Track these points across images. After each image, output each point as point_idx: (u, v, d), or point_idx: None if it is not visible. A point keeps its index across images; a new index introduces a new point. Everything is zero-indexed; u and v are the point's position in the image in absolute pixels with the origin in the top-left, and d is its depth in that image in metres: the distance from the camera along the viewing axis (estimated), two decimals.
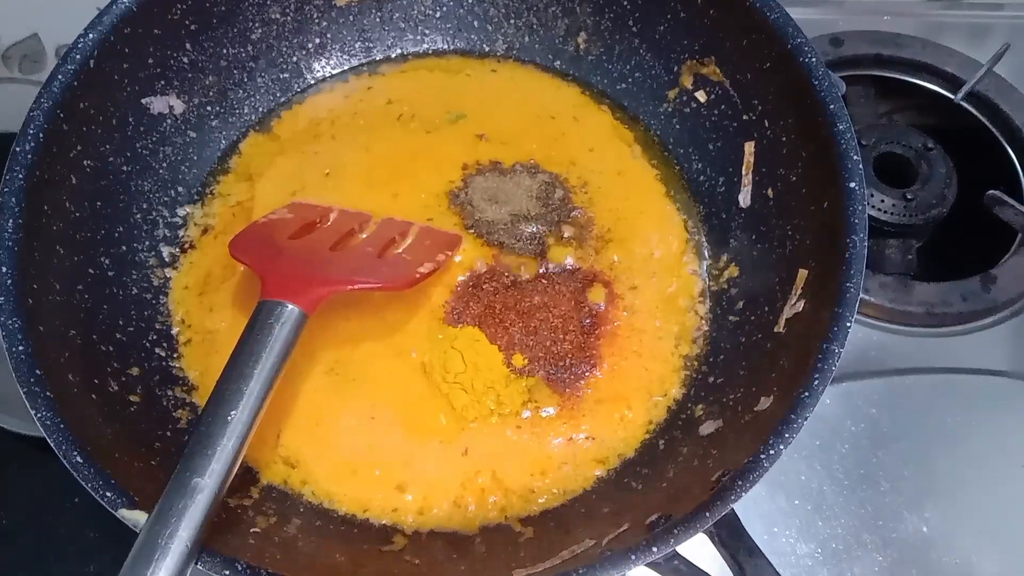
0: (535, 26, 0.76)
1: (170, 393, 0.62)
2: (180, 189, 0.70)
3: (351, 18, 0.76)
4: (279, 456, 0.61)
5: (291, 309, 0.53)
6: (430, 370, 0.62)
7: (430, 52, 0.78)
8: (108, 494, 0.48)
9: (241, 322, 0.61)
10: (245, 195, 0.70)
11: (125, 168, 0.65)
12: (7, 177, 0.55)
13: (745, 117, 0.67)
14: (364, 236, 0.64)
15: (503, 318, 0.64)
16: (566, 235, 0.67)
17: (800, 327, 0.58)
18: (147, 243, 0.66)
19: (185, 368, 0.64)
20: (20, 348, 0.51)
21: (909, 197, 0.81)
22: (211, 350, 0.64)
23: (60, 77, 0.59)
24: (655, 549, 0.48)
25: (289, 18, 0.74)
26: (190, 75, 0.70)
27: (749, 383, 0.59)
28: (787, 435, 0.50)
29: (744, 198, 0.67)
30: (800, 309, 0.58)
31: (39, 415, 0.49)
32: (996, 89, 0.87)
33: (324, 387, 0.62)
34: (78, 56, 0.60)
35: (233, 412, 0.49)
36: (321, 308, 0.56)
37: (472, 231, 0.67)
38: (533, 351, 0.63)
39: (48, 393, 0.50)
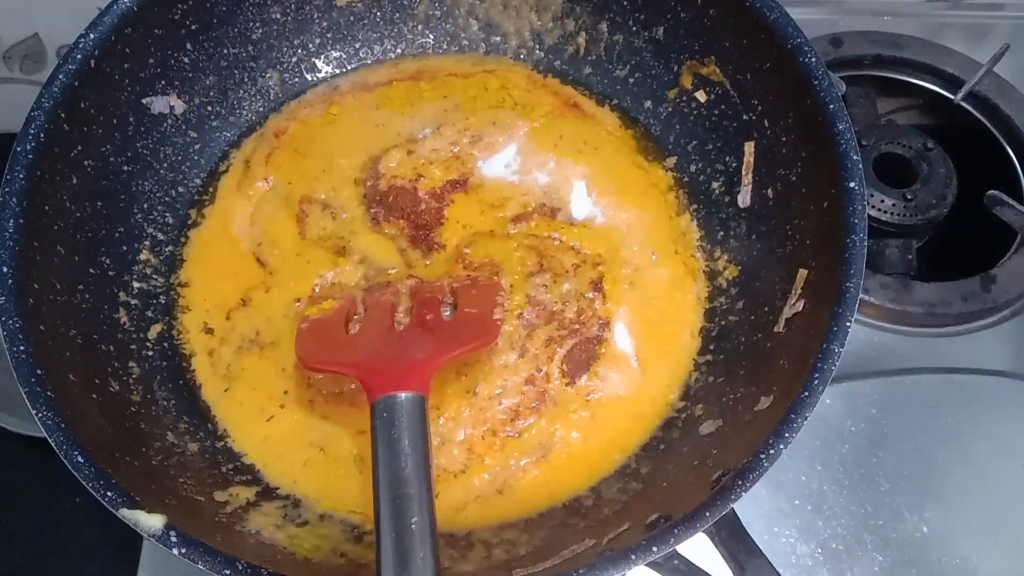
0: (535, 27, 0.76)
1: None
2: (180, 189, 0.70)
3: (351, 18, 0.76)
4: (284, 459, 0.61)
5: (412, 396, 0.51)
6: None
7: (430, 52, 0.78)
8: (109, 494, 0.48)
9: (238, 311, 0.61)
10: (245, 194, 0.70)
11: (126, 168, 0.65)
12: (8, 177, 0.55)
13: (745, 117, 0.67)
14: (409, 306, 0.62)
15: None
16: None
17: (800, 327, 0.58)
18: (148, 243, 0.67)
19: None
20: (21, 348, 0.51)
21: (909, 197, 0.81)
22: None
23: (61, 77, 0.59)
24: (655, 549, 0.48)
25: (290, 18, 0.74)
26: (191, 75, 0.70)
27: (749, 383, 0.59)
28: (787, 435, 0.50)
29: (744, 198, 0.67)
30: (800, 309, 0.58)
31: (40, 415, 0.49)
32: (996, 89, 0.87)
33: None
34: (79, 56, 0.60)
35: (414, 519, 0.46)
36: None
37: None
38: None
39: (49, 393, 0.50)
